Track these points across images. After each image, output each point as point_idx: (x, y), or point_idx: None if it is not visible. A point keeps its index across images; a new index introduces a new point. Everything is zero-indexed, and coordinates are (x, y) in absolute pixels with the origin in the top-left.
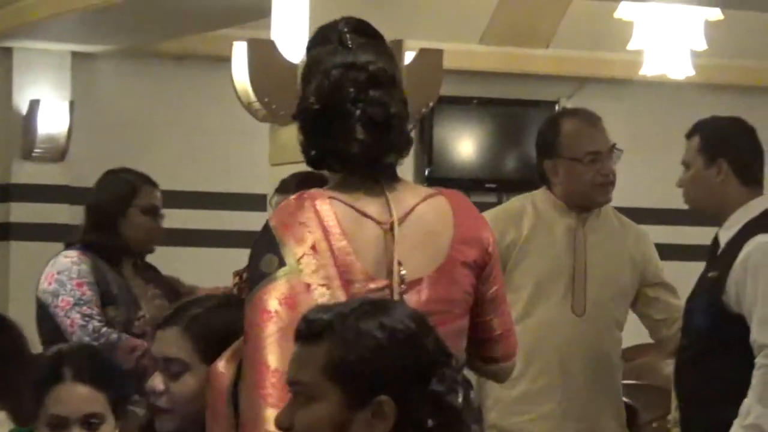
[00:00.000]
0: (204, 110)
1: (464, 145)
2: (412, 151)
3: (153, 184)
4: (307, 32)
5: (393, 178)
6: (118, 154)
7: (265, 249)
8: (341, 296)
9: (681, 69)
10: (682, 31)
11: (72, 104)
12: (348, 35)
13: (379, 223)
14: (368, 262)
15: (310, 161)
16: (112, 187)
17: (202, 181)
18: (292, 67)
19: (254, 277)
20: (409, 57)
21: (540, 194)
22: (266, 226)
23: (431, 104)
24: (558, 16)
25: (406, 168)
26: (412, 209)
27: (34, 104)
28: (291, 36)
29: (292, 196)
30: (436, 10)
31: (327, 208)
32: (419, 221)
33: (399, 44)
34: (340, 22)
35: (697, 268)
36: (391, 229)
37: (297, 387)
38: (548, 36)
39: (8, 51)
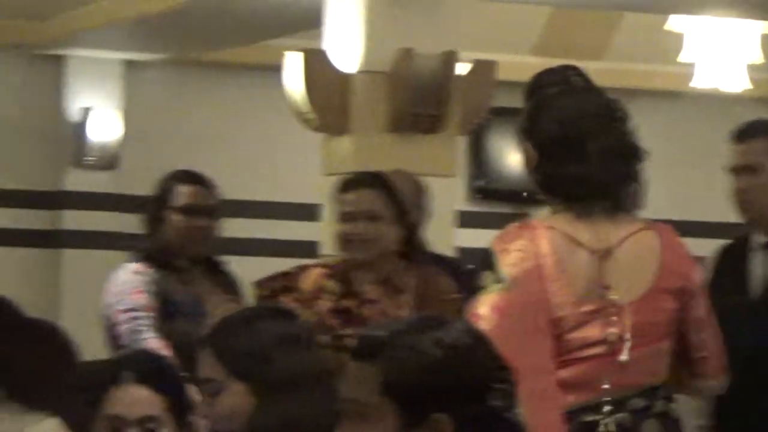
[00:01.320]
0: (255, 119)
1: (516, 157)
2: (463, 163)
3: (198, 183)
4: (360, 43)
5: (614, 209)
6: (169, 162)
7: (485, 268)
8: (543, 319)
9: (735, 82)
10: (735, 44)
11: (123, 112)
12: (573, 78)
13: (592, 251)
14: (579, 287)
15: (543, 187)
16: (154, 190)
17: (253, 190)
18: (346, 77)
19: (475, 293)
20: (463, 68)
21: None
22: (490, 249)
23: (484, 115)
24: (610, 28)
25: (457, 180)
26: (624, 239)
27: (85, 112)
28: (343, 46)
29: (515, 224)
30: (488, 22)
31: (544, 237)
32: (630, 251)
33: (452, 55)
34: (561, 68)
35: None
36: (604, 256)
37: (350, 405)
38: (601, 48)
39: (61, 59)
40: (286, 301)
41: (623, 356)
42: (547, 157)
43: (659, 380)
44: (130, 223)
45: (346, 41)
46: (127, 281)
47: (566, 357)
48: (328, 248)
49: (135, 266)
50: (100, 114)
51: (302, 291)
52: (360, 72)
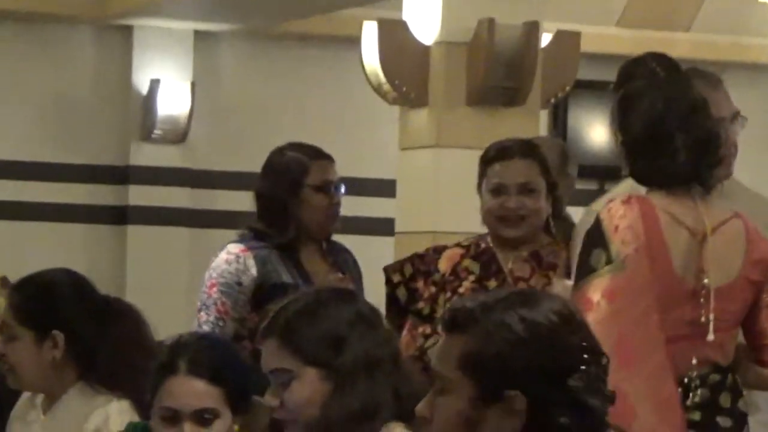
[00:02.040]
0: (330, 93)
1: (599, 131)
2: None
3: (325, 157)
4: (440, 13)
5: (705, 195)
6: (239, 137)
7: (595, 244)
8: (652, 295)
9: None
10: None
11: (193, 85)
12: (658, 70)
13: (693, 232)
14: (679, 267)
15: (636, 178)
16: (280, 167)
17: None
18: (425, 48)
19: (583, 269)
20: (545, 39)
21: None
22: (597, 223)
23: (567, 89)
24: None
25: None
26: (720, 225)
27: (154, 84)
28: (423, 17)
29: (620, 199)
30: None
31: (650, 215)
32: (723, 238)
33: (535, 26)
34: (647, 58)
35: None
36: (703, 239)
37: (437, 377)
38: (689, 19)
39: (129, 29)
40: (422, 286)
41: (710, 336)
42: (637, 153)
43: (729, 361)
44: (198, 198)
45: (425, 11)
46: (216, 268)
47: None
48: (403, 225)
49: (236, 250)
50: (170, 86)
51: (440, 273)
52: (439, 43)
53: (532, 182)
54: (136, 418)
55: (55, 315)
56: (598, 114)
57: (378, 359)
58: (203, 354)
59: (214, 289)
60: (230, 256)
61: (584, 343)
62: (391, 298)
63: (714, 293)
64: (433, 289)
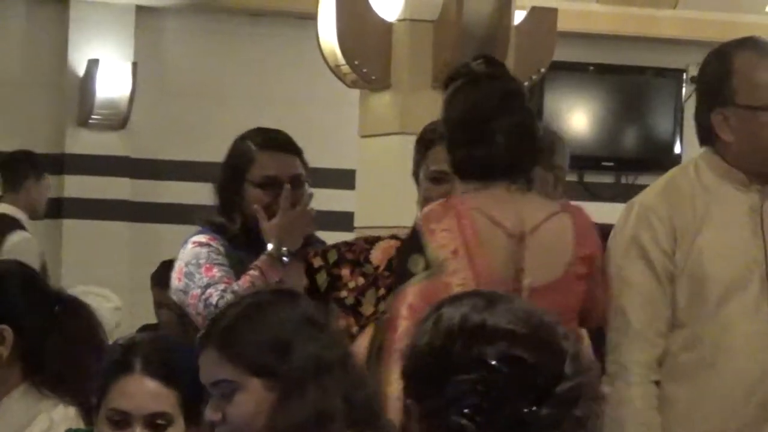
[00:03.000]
0: (284, 74)
1: (578, 117)
2: None
3: (278, 148)
4: None
5: (524, 188)
6: (185, 123)
7: (412, 250)
8: None
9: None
10: None
11: (135, 65)
12: (476, 67)
13: (510, 234)
14: (497, 269)
15: (457, 171)
16: (229, 157)
17: None
18: (387, 26)
19: (403, 275)
20: (519, 16)
21: (703, 161)
22: (414, 227)
23: (542, 70)
24: None
25: None
26: (541, 223)
27: (92, 65)
28: None
29: (438, 203)
30: None
31: (467, 217)
32: (544, 236)
33: (508, 2)
34: (473, 59)
35: None
36: (521, 239)
37: None
38: None
39: (64, 4)
40: (347, 275)
41: None
42: (455, 141)
43: None
44: (139, 190)
45: None
46: (196, 256)
47: None
48: (363, 220)
49: (205, 237)
50: (109, 67)
51: (372, 266)
52: (403, 20)
53: None
54: (82, 426)
55: (3, 308)
56: (577, 98)
57: (327, 363)
58: (160, 354)
59: (215, 269)
60: (201, 241)
61: (476, 356)
62: (309, 284)
63: (537, 292)
64: (361, 280)
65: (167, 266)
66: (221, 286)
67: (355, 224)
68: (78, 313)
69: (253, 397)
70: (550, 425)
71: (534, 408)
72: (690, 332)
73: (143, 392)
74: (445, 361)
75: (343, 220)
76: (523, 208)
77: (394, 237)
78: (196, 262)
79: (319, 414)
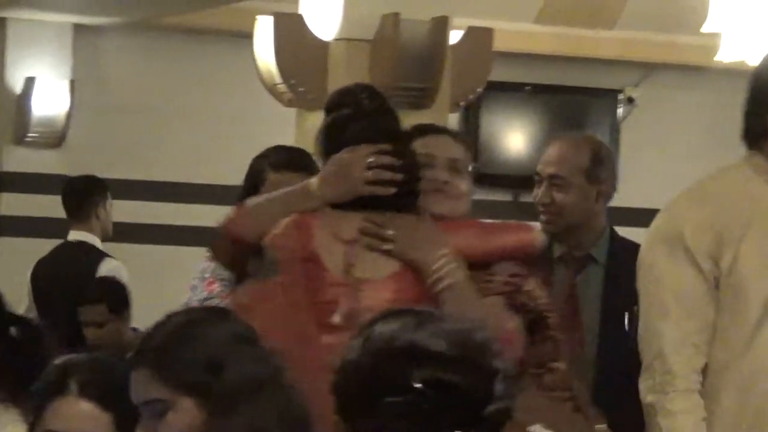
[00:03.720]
0: (222, 92)
1: (515, 137)
2: None
3: (292, 168)
4: (341, 7)
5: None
6: (123, 141)
7: (258, 257)
8: (303, 296)
9: (762, 55)
10: (764, 13)
11: (72, 83)
12: (364, 101)
13: (345, 240)
14: (330, 267)
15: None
16: (246, 175)
17: (219, 172)
18: (324, 45)
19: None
20: (455, 36)
21: (750, 165)
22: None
23: (479, 90)
24: None
25: None
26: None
27: (29, 82)
28: (322, 11)
29: (288, 218)
30: None
31: (311, 227)
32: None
33: (444, 22)
34: (355, 89)
35: None
36: (352, 242)
37: None
38: (613, 16)
39: (1, 22)
40: None
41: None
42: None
43: None
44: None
45: (324, 5)
46: (202, 270)
47: (325, 325)
48: None
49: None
50: (46, 85)
51: None
52: (339, 39)
53: None
54: None
55: None
56: (514, 118)
57: (260, 381)
58: (96, 375)
59: (215, 284)
60: (211, 258)
61: (403, 379)
62: None
63: (371, 283)
64: None
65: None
66: (216, 301)
67: None
68: (34, 334)
69: (185, 417)
70: None
71: (454, 430)
72: (727, 347)
73: (78, 414)
74: (373, 382)
75: None
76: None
77: None
78: (201, 276)
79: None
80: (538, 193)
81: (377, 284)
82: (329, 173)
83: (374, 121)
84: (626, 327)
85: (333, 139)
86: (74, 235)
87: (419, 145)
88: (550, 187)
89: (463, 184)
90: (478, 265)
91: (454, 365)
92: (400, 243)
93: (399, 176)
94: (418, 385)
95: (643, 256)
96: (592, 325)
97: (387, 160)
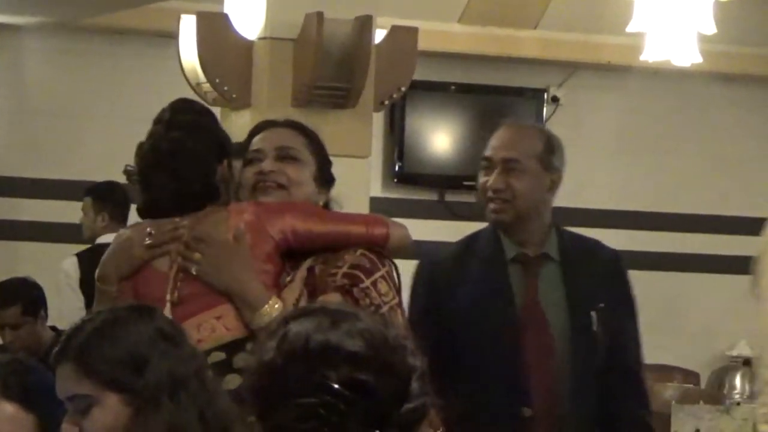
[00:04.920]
0: (146, 92)
1: (440, 137)
2: (380, 145)
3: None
4: (264, 6)
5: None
6: (44, 140)
7: None
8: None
9: (686, 55)
10: (688, 13)
11: None
12: (172, 117)
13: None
14: (155, 265)
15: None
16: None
17: None
18: (248, 44)
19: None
20: (379, 36)
21: None
22: None
23: (403, 89)
24: None
25: (373, 164)
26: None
27: None
28: (246, 10)
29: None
30: None
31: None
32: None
33: (368, 21)
34: (174, 104)
35: (702, 279)
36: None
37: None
38: (536, 16)
39: None
40: None
41: (167, 310)
42: (140, 185)
43: (241, 334)
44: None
45: (248, 4)
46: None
47: None
48: None
49: None
50: None
51: None
52: (263, 38)
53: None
54: None
55: None
56: (438, 117)
57: (182, 379)
58: (17, 376)
59: None
60: None
61: (318, 379)
62: None
63: (189, 279)
64: None
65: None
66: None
67: None
68: None
69: (109, 412)
70: None
71: (369, 430)
72: None
73: (1, 416)
74: (287, 382)
75: None
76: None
77: None
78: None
79: (174, 429)
80: (487, 180)
81: (194, 278)
82: (110, 253)
83: (163, 135)
84: (594, 326)
85: (139, 157)
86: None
87: (253, 143)
88: (503, 173)
89: (294, 171)
90: (326, 249)
91: (369, 365)
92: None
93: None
94: (335, 386)
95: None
96: (560, 328)
97: (167, 236)
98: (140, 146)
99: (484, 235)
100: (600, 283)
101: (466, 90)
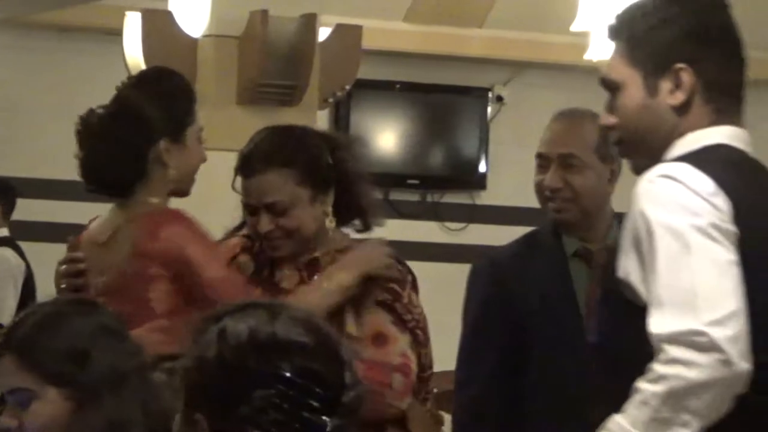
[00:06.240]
0: (91, 89)
1: (385, 135)
2: None
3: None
4: (209, 3)
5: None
6: None
7: None
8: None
9: None
10: None
11: None
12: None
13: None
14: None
15: None
16: None
17: None
18: (192, 42)
19: None
20: (324, 34)
21: None
22: None
23: (348, 87)
24: None
25: None
26: (110, 233)
27: None
28: (191, 7)
29: None
30: None
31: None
32: (107, 243)
33: (313, 19)
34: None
35: None
36: (100, 245)
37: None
38: (481, 15)
39: None
40: None
41: None
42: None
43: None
44: None
45: (193, 1)
46: None
47: None
48: None
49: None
50: None
51: None
52: (208, 36)
53: (279, 201)
54: None
55: None
56: (383, 116)
57: (124, 373)
58: None
59: None
60: None
61: (272, 370)
62: None
63: (103, 289)
64: None
65: None
66: None
67: None
68: None
69: (50, 406)
70: None
71: (326, 418)
72: None
73: None
74: (240, 376)
75: None
76: (112, 217)
77: (248, 236)
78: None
79: (115, 424)
80: (543, 179)
81: (107, 289)
82: None
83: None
84: None
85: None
86: None
87: (243, 191)
88: (560, 169)
89: (290, 221)
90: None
91: (316, 354)
92: None
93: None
94: (289, 374)
95: None
96: None
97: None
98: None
99: (544, 231)
100: None
101: (411, 89)
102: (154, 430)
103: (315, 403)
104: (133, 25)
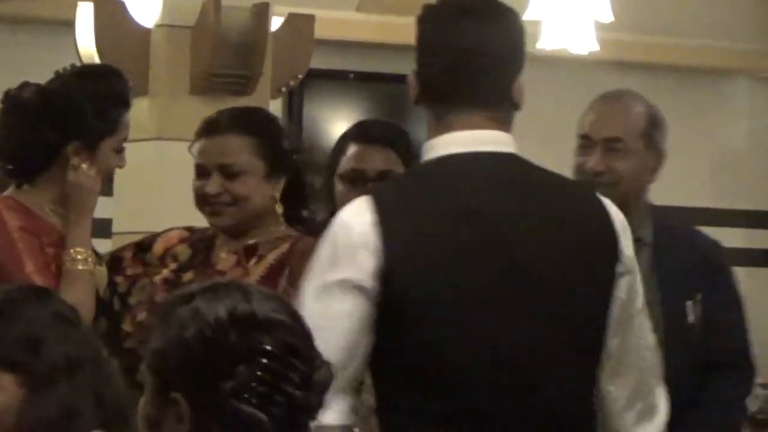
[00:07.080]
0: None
1: (338, 125)
2: None
3: (371, 140)
4: None
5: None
6: None
7: None
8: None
9: (583, 43)
10: (585, 1)
11: None
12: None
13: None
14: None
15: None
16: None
17: None
18: (145, 32)
19: None
20: (276, 23)
21: None
22: None
23: (300, 77)
24: None
25: None
26: None
27: None
28: None
29: None
30: None
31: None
32: None
33: (265, 8)
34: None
35: None
36: None
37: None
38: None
39: None
40: (129, 260)
41: None
42: None
43: None
44: None
45: None
46: None
47: None
48: (121, 225)
49: None
50: None
51: (152, 255)
52: (161, 26)
53: (235, 164)
54: None
55: None
56: (337, 106)
57: (78, 361)
58: None
59: None
60: None
61: (255, 345)
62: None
63: None
64: (139, 269)
65: None
66: None
67: (114, 230)
68: None
69: (3, 393)
70: (315, 410)
71: (302, 393)
72: None
73: None
74: (222, 352)
75: (101, 227)
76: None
77: (189, 228)
78: None
79: (68, 410)
80: (586, 161)
81: None
82: None
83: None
84: (690, 318)
85: None
86: None
87: (196, 153)
88: (604, 153)
89: (240, 186)
90: None
91: (293, 330)
92: None
93: None
94: (270, 348)
95: None
96: (653, 319)
97: None
98: None
99: None
100: (697, 271)
101: (364, 78)
102: (108, 418)
103: (296, 378)
104: (85, 16)
